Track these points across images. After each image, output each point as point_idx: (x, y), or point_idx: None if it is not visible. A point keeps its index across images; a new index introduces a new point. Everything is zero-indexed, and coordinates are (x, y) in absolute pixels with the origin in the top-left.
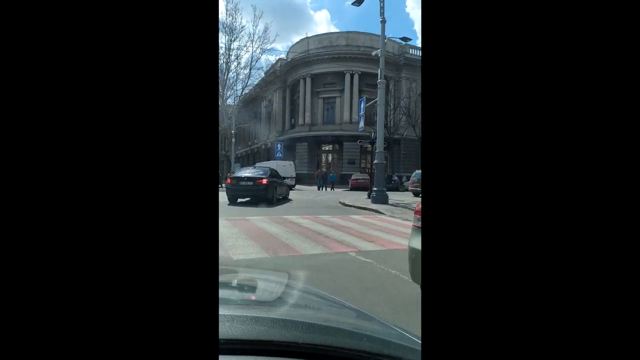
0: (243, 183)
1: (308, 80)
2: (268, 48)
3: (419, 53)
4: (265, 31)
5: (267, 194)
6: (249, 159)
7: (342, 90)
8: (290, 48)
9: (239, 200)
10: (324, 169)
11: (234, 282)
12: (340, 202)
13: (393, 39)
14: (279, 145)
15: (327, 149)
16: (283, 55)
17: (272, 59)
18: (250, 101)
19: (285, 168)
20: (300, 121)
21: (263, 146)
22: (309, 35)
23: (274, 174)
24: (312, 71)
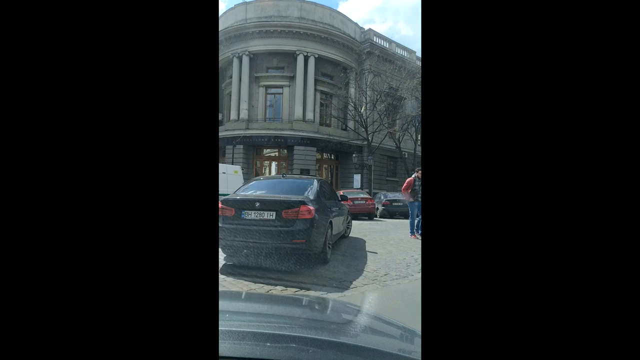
0: (253, 216)
1: (245, 61)
2: None
3: (385, 44)
4: None
5: (311, 244)
6: None
7: (292, 78)
8: (221, 17)
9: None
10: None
11: (305, 301)
12: None
13: None
14: None
15: (270, 154)
16: None
17: None
18: None
19: (227, 178)
20: (233, 116)
21: None
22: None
23: (323, 191)
24: (250, 48)
